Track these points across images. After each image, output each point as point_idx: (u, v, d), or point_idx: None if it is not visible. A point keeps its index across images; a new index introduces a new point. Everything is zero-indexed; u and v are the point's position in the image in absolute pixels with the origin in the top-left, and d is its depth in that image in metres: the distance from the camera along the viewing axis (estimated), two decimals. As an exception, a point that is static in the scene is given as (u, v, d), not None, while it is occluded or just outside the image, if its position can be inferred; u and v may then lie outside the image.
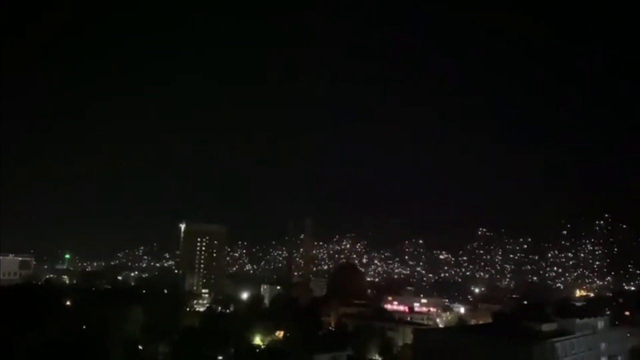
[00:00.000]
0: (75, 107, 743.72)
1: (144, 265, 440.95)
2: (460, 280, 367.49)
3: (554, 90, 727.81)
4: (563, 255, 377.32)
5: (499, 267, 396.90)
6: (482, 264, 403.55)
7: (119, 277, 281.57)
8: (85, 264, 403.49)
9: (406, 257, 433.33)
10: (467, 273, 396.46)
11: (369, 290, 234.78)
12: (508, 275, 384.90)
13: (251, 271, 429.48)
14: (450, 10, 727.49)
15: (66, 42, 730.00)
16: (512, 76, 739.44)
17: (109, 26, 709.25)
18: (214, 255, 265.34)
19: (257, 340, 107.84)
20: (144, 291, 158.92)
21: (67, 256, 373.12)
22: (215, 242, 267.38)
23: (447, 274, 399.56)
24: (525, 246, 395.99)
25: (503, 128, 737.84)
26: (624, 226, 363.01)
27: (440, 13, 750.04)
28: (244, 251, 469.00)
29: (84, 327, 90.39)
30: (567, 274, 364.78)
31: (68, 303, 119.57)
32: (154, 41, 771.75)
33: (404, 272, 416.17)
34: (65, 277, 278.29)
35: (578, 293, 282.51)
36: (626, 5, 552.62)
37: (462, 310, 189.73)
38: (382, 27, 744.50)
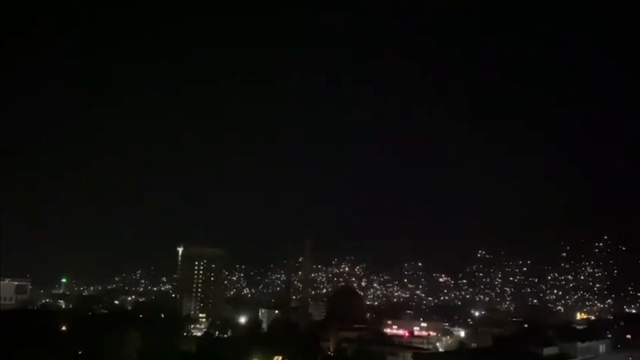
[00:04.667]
0: (68, 127, 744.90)
1: (141, 289, 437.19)
2: (460, 303, 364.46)
3: (555, 106, 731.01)
4: (563, 277, 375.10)
5: (498, 290, 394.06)
6: (482, 286, 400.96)
7: (116, 301, 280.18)
8: (81, 288, 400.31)
9: (405, 280, 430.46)
10: (467, 296, 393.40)
11: (369, 314, 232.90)
12: (508, 298, 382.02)
13: (249, 295, 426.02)
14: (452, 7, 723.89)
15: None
16: (508, 94, 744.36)
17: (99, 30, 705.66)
18: (212, 279, 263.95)
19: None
20: (141, 315, 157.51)
21: (64, 280, 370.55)
22: (213, 265, 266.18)
23: (446, 297, 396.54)
24: (525, 268, 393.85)
25: (499, 150, 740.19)
26: (624, 248, 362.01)
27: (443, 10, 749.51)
28: (242, 275, 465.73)
29: (80, 352, 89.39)
30: (567, 297, 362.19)
31: (64, 328, 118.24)
32: (149, 48, 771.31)
33: (404, 295, 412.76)
34: (62, 301, 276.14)
35: (579, 316, 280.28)
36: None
37: (462, 333, 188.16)
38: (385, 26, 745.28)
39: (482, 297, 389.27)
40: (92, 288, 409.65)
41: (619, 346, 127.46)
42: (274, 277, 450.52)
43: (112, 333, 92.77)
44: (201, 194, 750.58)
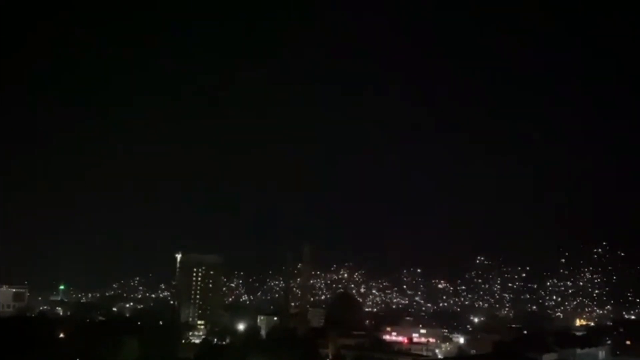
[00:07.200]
0: (65, 133, 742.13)
1: (139, 296, 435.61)
2: (459, 309, 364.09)
3: (554, 111, 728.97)
4: (562, 283, 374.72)
5: (497, 296, 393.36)
6: (481, 293, 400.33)
7: (114, 308, 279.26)
8: (79, 295, 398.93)
9: (404, 286, 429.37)
10: (466, 302, 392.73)
11: (368, 321, 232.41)
12: (507, 305, 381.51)
13: (248, 302, 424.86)
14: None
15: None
16: (508, 101, 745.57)
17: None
18: (210, 285, 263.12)
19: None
20: (139, 322, 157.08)
21: (62, 287, 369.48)
22: (212, 272, 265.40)
23: (445, 304, 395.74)
24: (524, 275, 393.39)
25: (498, 156, 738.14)
26: (623, 254, 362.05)
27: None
28: (241, 281, 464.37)
29: (78, 359, 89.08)
30: (566, 303, 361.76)
31: (62, 335, 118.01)
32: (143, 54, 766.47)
33: (403, 301, 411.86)
34: (60, 308, 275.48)
35: (578, 322, 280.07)
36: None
37: (461, 340, 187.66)
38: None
39: (481, 303, 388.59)
40: (90, 295, 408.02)
41: (618, 352, 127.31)
42: (272, 284, 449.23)
43: (110, 340, 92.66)
44: (199, 199, 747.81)
